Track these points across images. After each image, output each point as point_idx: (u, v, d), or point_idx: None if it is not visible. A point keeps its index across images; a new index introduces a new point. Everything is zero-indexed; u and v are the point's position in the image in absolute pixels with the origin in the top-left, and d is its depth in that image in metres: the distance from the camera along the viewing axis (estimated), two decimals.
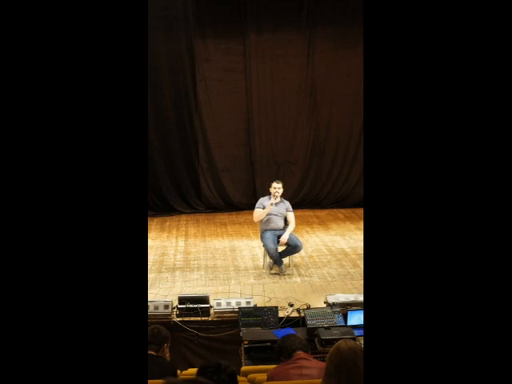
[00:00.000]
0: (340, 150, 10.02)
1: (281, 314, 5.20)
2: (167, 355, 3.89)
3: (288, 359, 3.65)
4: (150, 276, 6.44)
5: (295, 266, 6.84)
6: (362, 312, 4.79)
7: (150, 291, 5.79)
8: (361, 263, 6.79)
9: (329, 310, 5.05)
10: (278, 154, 9.98)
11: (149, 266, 6.88)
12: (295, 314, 5.27)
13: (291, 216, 6.74)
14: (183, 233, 8.78)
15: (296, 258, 6.95)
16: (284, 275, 6.57)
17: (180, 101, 9.62)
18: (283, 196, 6.83)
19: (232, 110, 9.78)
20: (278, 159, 9.99)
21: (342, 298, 5.38)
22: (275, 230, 6.63)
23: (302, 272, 6.72)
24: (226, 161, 9.93)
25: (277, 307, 5.21)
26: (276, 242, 6.53)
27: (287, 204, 6.79)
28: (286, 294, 5.85)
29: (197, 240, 8.35)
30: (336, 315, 4.96)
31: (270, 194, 6.75)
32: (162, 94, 9.52)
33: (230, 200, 10.00)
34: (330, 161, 10.06)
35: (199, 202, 9.97)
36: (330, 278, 6.49)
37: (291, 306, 5.40)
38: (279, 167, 10.00)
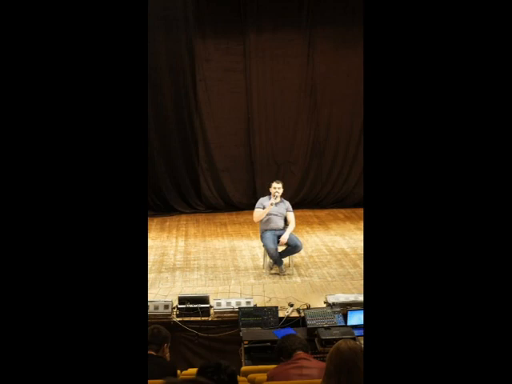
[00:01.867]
0: (340, 150, 10.02)
1: (281, 314, 5.20)
2: (167, 355, 3.89)
3: (288, 359, 3.65)
4: (150, 276, 6.44)
5: (295, 266, 6.84)
6: (361, 312, 4.79)
7: (150, 291, 5.79)
8: (361, 263, 6.79)
9: (329, 310, 5.05)
10: (278, 154, 9.98)
11: (149, 266, 6.88)
12: (295, 314, 5.27)
13: (291, 216, 6.74)
14: (183, 233, 8.78)
15: (296, 257, 6.95)
16: (284, 275, 6.57)
17: (180, 101, 9.62)
18: (283, 196, 6.83)
19: (232, 110, 9.78)
20: (278, 159, 9.99)
21: (342, 298, 5.38)
22: (275, 229, 6.63)
23: (302, 272, 6.72)
24: (226, 161, 9.93)
25: (277, 307, 5.21)
26: (276, 241, 6.53)
27: (287, 204, 6.79)
28: (286, 294, 5.85)
29: (197, 240, 8.35)
30: (336, 315, 4.96)
31: (269, 193, 6.75)
32: (162, 94, 9.52)
33: (230, 200, 10.00)
34: (330, 161, 10.06)
35: (199, 202, 9.97)
36: (330, 278, 6.49)
37: (291, 306, 5.40)
38: (279, 167, 10.00)
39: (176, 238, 8.52)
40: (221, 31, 9.48)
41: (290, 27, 9.57)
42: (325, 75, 9.75)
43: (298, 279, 6.49)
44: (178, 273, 6.85)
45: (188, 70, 9.51)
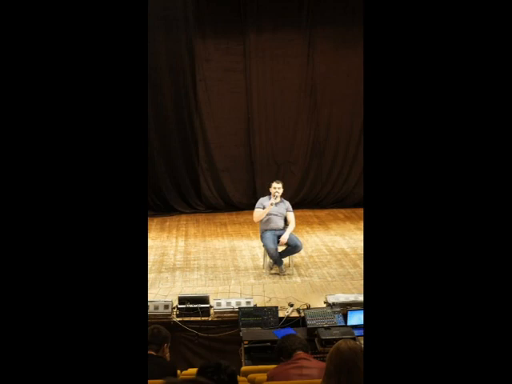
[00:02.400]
0: (340, 150, 10.03)
1: (281, 314, 5.20)
2: (167, 355, 3.89)
3: (288, 359, 3.65)
4: (150, 276, 6.44)
5: (295, 266, 6.84)
6: (361, 312, 4.79)
7: (150, 291, 5.79)
8: (361, 263, 6.79)
9: (329, 310, 5.05)
10: (278, 154, 9.98)
11: (149, 266, 6.88)
12: (295, 314, 5.27)
13: (291, 216, 6.74)
14: (183, 233, 8.78)
15: (296, 257, 6.95)
16: (284, 275, 6.57)
17: (180, 101, 9.62)
18: (283, 196, 6.83)
19: (232, 110, 9.78)
20: (278, 159, 9.99)
21: (342, 298, 5.38)
22: (275, 229, 6.63)
23: (302, 272, 6.72)
24: (226, 161, 9.94)
25: (277, 307, 5.21)
26: (276, 241, 6.53)
27: (287, 204, 6.79)
28: (286, 294, 5.85)
29: (197, 240, 8.35)
30: (336, 315, 4.96)
31: (269, 193, 6.75)
32: (162, 94, 9.52)
33: (230, 200, 10.00)
34: (330, 161, 10.06)
35: (199, 202, 9.97)
36: (330, 278, 6.49)
37: (291, 306, 5.40)
38: (279, 167, 10.00)
39: (176, 238, 8.52)
40: (221, 31, 9.48)
41: (290, 27, 9.57)
42: (325, 75, 9.76)
43: (298, 279, 6.49)
44: (178, 273, 6.85)
45: (188, 70, 9.51)
